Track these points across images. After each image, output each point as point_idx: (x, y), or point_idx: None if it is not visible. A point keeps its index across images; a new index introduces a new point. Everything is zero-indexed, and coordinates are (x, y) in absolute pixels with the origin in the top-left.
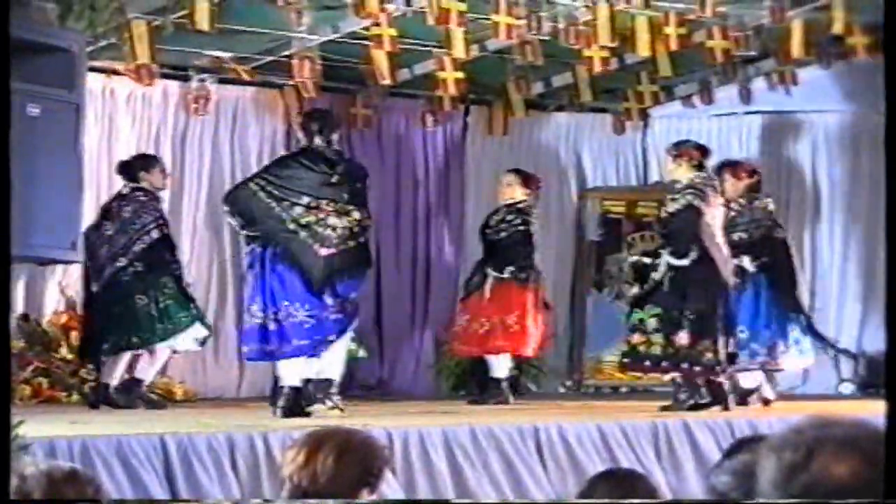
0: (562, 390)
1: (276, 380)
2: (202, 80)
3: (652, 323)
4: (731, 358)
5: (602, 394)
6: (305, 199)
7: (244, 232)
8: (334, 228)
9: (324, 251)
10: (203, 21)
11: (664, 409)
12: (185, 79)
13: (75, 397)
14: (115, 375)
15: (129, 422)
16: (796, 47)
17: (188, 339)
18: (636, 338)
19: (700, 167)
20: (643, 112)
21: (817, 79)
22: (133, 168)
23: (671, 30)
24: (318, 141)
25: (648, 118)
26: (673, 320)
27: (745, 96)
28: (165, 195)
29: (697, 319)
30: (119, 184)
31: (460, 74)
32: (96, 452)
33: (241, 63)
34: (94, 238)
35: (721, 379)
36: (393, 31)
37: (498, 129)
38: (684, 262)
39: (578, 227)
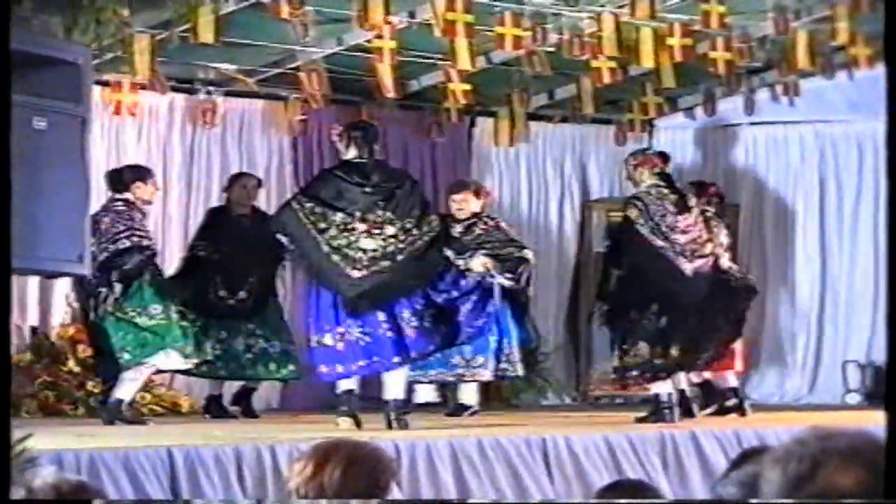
0: (568, 402)
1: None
2: (209, 93)
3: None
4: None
5: (610, 405)
6: (339, 217)
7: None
8: (365, 251)
9: (356, 273)
10: (207, 34)
11: (639, 420)
12: (192, 91)
13: (81, 410)
14: (131, 392)
15: (137, 435)
16: (801, 58)
17: (172, 358)
18: (616, 351)
19: (663, 175)
20: (648, 123)
21: (820, 89)
22: (124, 178)
23: (675, 41)
24: (354, 153)
25: (653, 129)
26: (633, 330)
27: (750, 107)
28: (152, 210)
29: (645, 329)
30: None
31: (467, 86)
32: (103, 465)
33: (247, 76)
34: None
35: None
36: (393, 44)
37: (503, 141)
38: (618, 272)
39: (583, 239)
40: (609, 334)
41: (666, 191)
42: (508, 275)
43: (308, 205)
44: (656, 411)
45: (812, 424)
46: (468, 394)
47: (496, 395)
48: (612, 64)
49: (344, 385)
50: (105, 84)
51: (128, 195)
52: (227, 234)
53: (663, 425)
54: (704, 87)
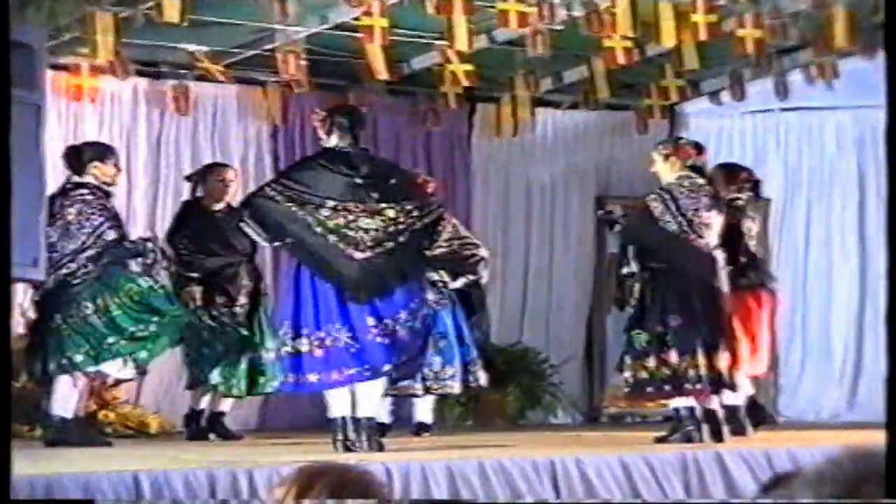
0: (580, 420)
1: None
2: (178, 77)
3: (641, 342)
4: (714, 378)
5: (626, 423)
6: (330, 203)
7: (273, 242)
8: (367, 231)
9: (358, 255)
10: (173, 12)
11: (658, 440)
12: (157, 76)
13: (39, 431)
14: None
15: (100, 457)
16: (839, 35)
17: (128, 367)
18: (629, 362)
19: (694, 168)
20: (669, 109)
21: (861, 71)
22: (83, 156)
23: (699, 17)
24: (337, 140)
25: (675, 116)
26: (658, 338)
27: (782, 91)
28: (116, 192)
29: (678, 334)
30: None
31: (469, 67)
32: (60, 491)
33: (219, 58)
34: None
35: (711, 404)
36: (384, 22)
37: (506, 130)
38: (625, 269)
39: (599, 239)
40: (637, 344)
41: (701, 181)
42: (471, 277)
43: (289, 191)
44: (679, 429)
45: (848, 444)
46: (424, 411)
47: (499, 413)
48: (628, 43)
49: (339, 409)
50: (62, 68)
51: (88, 178)
52: (210, 233)
53: (686, 445)
54: (731, 69)
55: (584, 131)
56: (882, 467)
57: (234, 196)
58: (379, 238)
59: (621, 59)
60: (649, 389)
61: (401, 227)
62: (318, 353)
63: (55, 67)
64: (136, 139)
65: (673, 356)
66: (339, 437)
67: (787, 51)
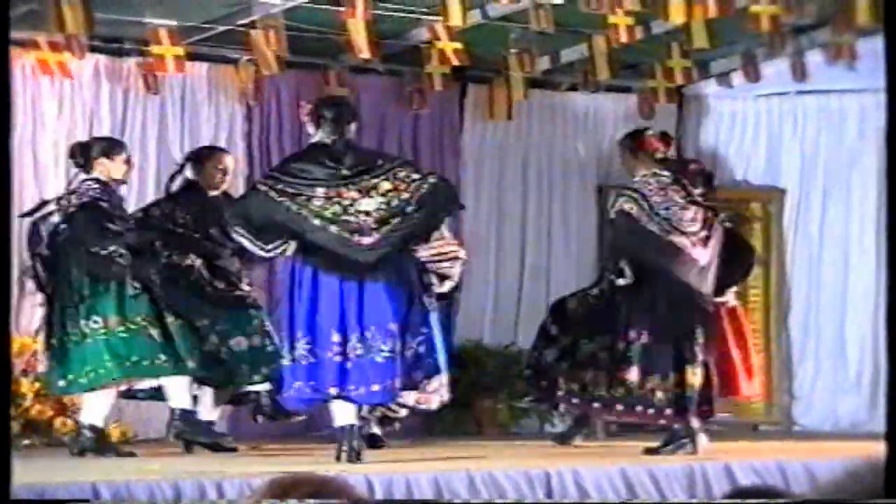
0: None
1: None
2: (143, 55)
3: (603, 356)
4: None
5: (629, 432)
6: (320, 190)
7: (270, 250)
8: (368, 213)
9: (365, 239)
10: None
11: (648, 451)
12: (120, 53)
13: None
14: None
15: (56, 468)
16: (861, 12)
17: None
18: (589, 375)
19: (664, 161)
20: (675, 92)
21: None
22: (90, 152)
23: None
24: (321, 135)
25: (683, 99)
26: (619, 353)
27: (800, 72)
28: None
29: (646, 351)
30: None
31: (458, 45)
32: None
33: (188, 34)
34: (39, 248)
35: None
36: None
37: (500, 113)
38: (621, 281)
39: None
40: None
41: (668, 180)
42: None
43: (280, 184)
44: (673, 439)
45: (867, 455)
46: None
47: (491, 422)
48: (630, 20)
49: (344, 417)
50: (16, 44)
51: (98, 174)
52: (209, 217)
53: (690, 456)
54: (743, 49)
55: (585, 115)
56: None
57: (231, 184)
58: (382, 216)
59: (624, 36)
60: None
61: (404, 196)
62: (348, 364)
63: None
64: (100, 122)
65: (633, 374)
66: (346, 447)
67: (804, 29)
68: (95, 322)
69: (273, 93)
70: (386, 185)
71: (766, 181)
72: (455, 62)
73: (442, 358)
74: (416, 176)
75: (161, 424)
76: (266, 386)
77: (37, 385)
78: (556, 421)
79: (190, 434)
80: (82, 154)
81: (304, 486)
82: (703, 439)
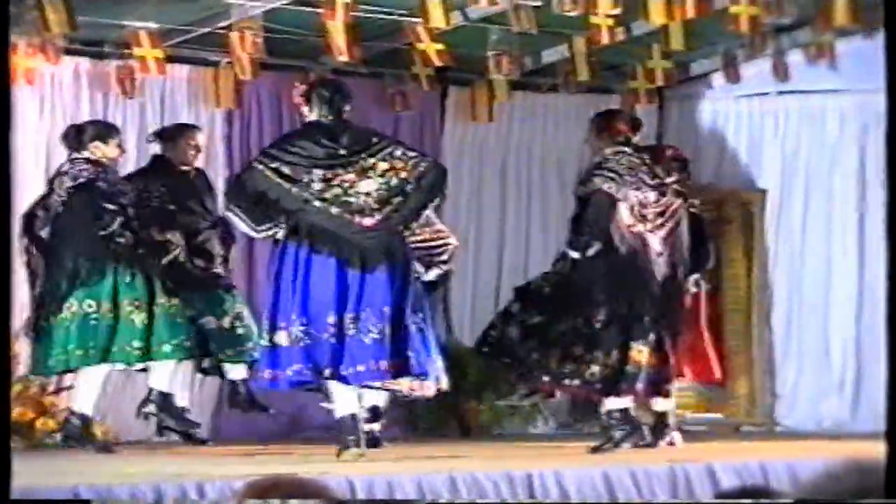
0: (563, 430)
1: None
2: (122, 57)
3: (568, 335)
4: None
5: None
6: (318, 172)
7: (261, 230)
8: (368, 194)
9: (367, 221)
10: None
11: (594, 450)
12: (101, 56)
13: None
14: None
15: (38, 470)
16: (840, 12)
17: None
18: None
19: (627, 143)
20: (656, 93)
21: (864, 51)
22: (83, 135)
23: None
24: (317, 113)
25: (664, 100)
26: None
27: (782, 72)
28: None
29: (610, 329)
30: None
31: (440, 46)
32: None
33: (168, 37)
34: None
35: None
36: None
37: (481, 115)
38: (574, 254)
39: None
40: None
41: (637, 160)
42: (444, 267)
43: (278, 160)
44: (611, 434)
45: (847, 456)
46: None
47: (474, 422)
48: (611, 21)
49: (348, 407)
50: None
51: (87, 155)
52: (184, 190)
53: (672, 457)
54: (724, 49)
55: (565, 116)
56: (883, 482)
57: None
58: (383, 196)
59: (605, 38)
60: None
61: (402, 175)
62: (332, 340)
63: None
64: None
65: (599, 353)
66: (352, 437)
67: (784, 29)
68: (89, 306)
69: (253, 95)
70: (383, 165)
71: (747, 182)
72: (437, 63)
73: (435, 344)
74: (411, 154)
75: (143, 426)
76: (242, 374)
77: (18, 387)
78: (540, 423)
79: (163, 417)
80: (76, 137)
81: (284, 486)
82: (677, 436)
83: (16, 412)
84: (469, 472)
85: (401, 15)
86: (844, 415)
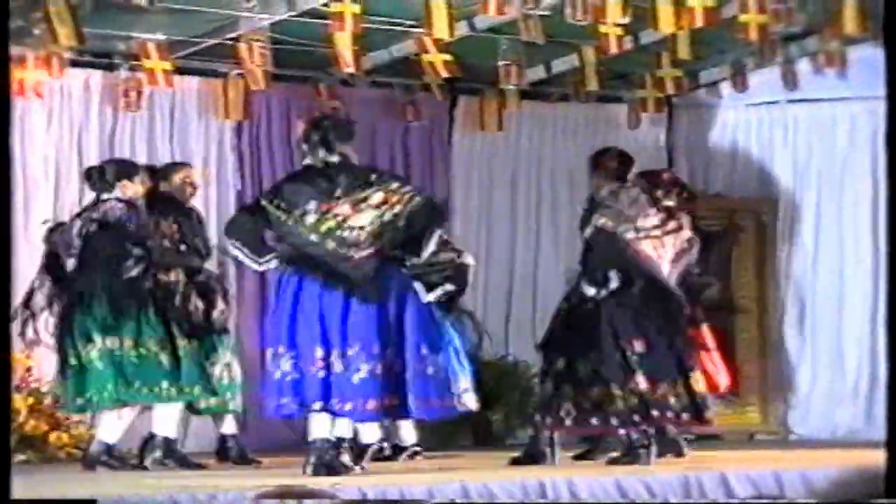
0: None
1: None
2: (132, 69)
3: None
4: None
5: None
6: (312, 204)
7: (262, 263)
8: (362, 227)
9: (360, 254)
10: None
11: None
12: (111, 67)
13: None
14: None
15: (50, 483)
16: (849, 20)
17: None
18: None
19: (622, 178)
20: (666, 101)
21: (874, 59)
22: (107, 175)
23: (696, 1)
24: (311, 158)
25: (673, 109)
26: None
27: (791, 81)
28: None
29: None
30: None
31: (447, 57)
32: None
33: (177, 49)
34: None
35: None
36: (356, 8)
37: (491, 124)
38: (603, 292)
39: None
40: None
41: (634, 192)
42: (448, 287)
43: (274, 200)
44: (630, 450)
45: (859, 465)
46: (407, 429)
47: (486, 433)
48: (620, 31)
49: (317, 430)
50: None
51: (118, 195)
52: (191, 229)
53: (686, 468)
54: (733, 58)
55: (575, 126)
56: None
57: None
58: (375, 231)
59: (614, 47)
60: (594, 421)
61: (396, 208)
62: (331, 378)
63: None
64: (88, 137)
65: (643, 383)
66: (313, 460)
67: (792, 38)
68: (113, 343)
69: (263, 106)
70: (378, 197)
71: (758, 190)
72: (444, 74)
73: (458, 363)
74: (406, 189)
75: None
76: (233, 428)
77: (31, 400)
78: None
79: (170, 464)
80: (101, 178)
81: (293, 497)
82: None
83: (29, 425)
84: (482, 482)
85: (409, 26)
86: (858, 423)
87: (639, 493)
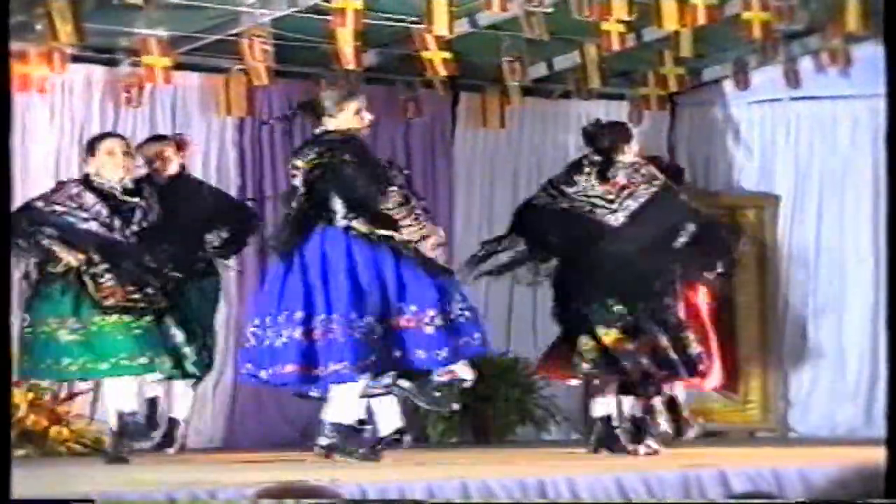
0: (575, 436)
1: None
2: (133, 65)
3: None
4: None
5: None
6: None
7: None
8: None
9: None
10: None
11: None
12: (112, 63)
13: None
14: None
15: (49, 478)
16: (852, 18)
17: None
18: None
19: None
20: (668, 99)
21: (877, 57)
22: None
23: None
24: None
25: (676, 106)
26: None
27: (793, 79)
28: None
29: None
30: None
31: (447, 54)
32: None
33: (179, 44)
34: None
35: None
36: (358, 4)
37: (492, 121)
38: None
39: None
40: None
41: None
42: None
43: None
44: (607, 436)
45: (857, 462)
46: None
47: (485, 429)
48: (622, 28)
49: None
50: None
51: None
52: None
53: (686, 465)
54: (735, 56)
55: (577, 123)
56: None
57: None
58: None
59: (616, 44)
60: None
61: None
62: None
63: None
64: (90, 132)
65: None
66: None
67: (795, 35)
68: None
69: (264, 102)
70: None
71: (760, 188)
72: (443, 72)
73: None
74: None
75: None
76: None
77: (30, 395)
78: (553, 428)
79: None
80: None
81: (295, 494)
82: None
83: (29, 420)
84: (481, 479)
85: (411, 22)
86: (859, 421)
87: (638, 491)
